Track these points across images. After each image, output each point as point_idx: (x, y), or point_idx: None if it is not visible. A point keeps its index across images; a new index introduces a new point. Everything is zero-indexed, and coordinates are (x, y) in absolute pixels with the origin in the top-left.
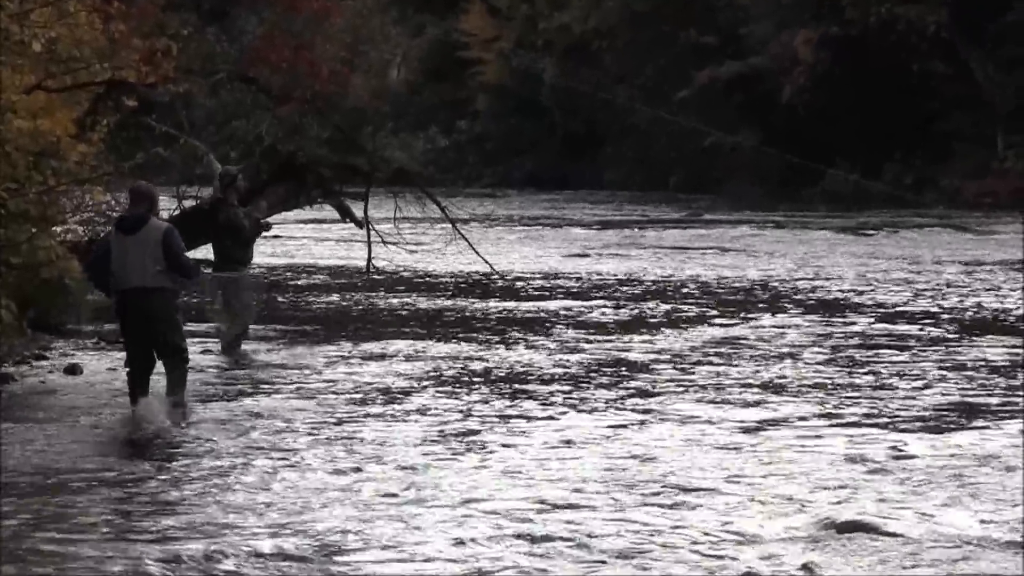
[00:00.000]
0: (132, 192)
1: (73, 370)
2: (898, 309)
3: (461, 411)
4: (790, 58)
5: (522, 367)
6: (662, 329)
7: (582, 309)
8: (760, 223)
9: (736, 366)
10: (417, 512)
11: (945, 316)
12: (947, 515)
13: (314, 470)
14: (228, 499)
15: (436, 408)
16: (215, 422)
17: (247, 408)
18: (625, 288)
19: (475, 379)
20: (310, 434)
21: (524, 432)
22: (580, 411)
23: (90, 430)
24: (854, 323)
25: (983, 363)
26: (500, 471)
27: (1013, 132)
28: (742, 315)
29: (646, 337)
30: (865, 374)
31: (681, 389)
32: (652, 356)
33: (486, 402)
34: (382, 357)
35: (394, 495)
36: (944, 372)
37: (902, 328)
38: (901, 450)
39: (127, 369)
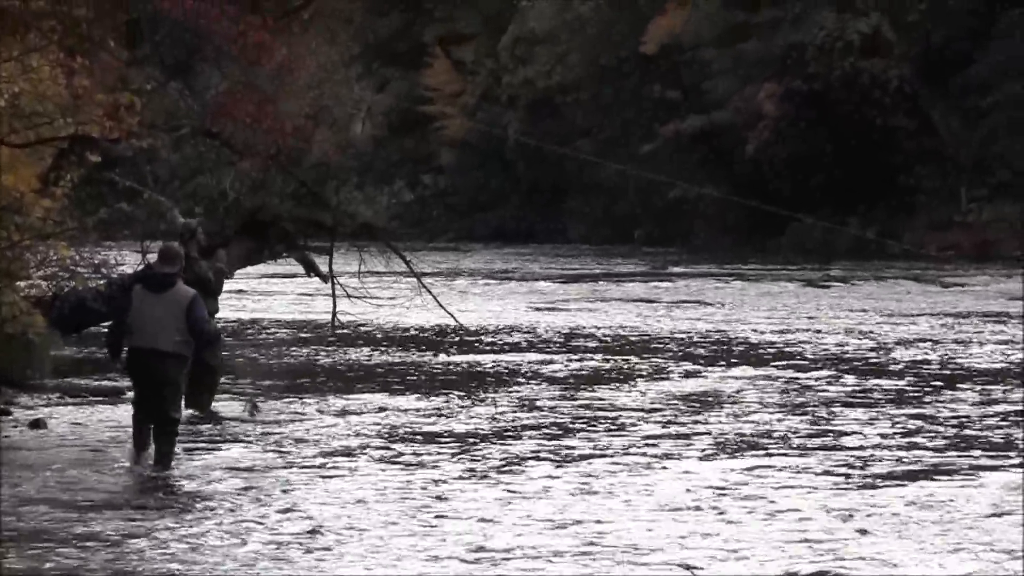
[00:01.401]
0: (164, 252)
1: (38, 424)
2: (866, 361)
3: (422, 467)
4: (753, 112)
5: (487, 421)
6: (628, 383)
7: (547, 363)
8: (726, 276)
9: (703, 421)
10: None
11: (913, 368)
12: (923, 565)
13: (265, 529)
14: (188, 556)
15: (395, 467)
16: (182, 478)
17: (211, 463)
18: (591, 342)
19: (438, 436)
20: (262, 495)
21: (480, 487)
22: (546, 464)
23: (55, 485)
24: (822, 376)
25: (954, 415)
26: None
27: (976, 186)
28: (709, 368)
29: (612, 391)
30: (832, 427)
31: (649, 444)
32: (618, 411)
33: (451, 458)
34: (345, 413)
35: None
36: (915, 424)
37: (871, 382)
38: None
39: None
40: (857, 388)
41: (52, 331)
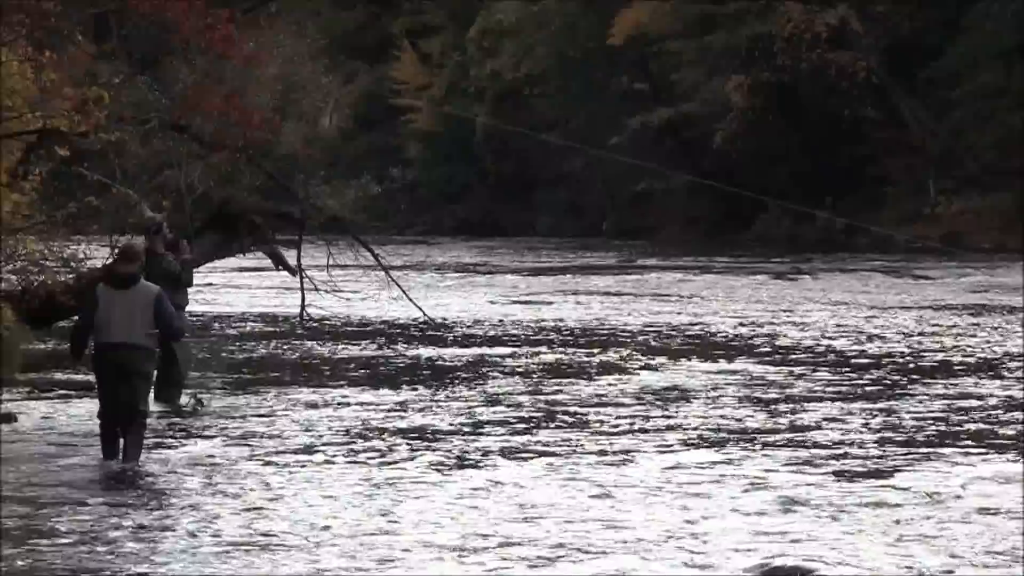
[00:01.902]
0: (125, 251)
1: (7, 419)
2: (834, 351)
3: (386, 461)
4: (722, 104)
5: (453, 416)
6: (595, 376)
7: (514, 356)
8: (694, 268)
9: (671, 415)
10: None
11: (889, 360)
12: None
13: (226, 520)
14: (148, 554)
15: (359, 463)
16: (147, 474)
17: (176, 458)
18: (558, 335)
19: (404, 431)
20: (225, 490)
21: (443, 482)
22: (511, 459)
23: (21, 480)
24: (794, 369)
25: (925, 408)
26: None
27: (944, 176)
28: (678, 362)
29: (579, 385)
30: (805, 420)
31: (614, 435)
32: (585, 405)
33: (415, 452)
34: (312, 407)
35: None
36: (888, 417)
37: (840, 375)
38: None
39: (100, 421)
40: (832, 381)
41: (22, 326)
